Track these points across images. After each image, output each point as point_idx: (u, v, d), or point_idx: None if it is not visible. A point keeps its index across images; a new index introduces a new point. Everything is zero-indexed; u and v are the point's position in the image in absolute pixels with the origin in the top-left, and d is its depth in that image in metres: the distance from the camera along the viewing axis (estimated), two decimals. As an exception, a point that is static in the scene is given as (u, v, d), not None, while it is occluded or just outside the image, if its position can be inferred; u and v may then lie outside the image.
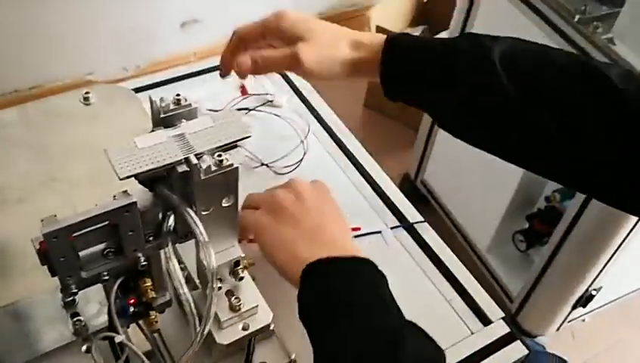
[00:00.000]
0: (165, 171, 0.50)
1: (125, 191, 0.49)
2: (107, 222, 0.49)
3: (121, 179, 0.48)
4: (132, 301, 0.56)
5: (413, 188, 1.79)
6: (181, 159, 0.50)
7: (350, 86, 1.42)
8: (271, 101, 0.96)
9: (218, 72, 0.69)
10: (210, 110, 0.90)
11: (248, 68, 0.64)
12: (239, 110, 0.95)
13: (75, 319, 0.56)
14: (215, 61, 1.01)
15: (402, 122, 1.98)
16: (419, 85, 0.62)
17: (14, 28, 1.67)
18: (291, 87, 1.01)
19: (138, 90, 0.96)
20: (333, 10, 2.23)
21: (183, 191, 0.52)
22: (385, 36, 0.63)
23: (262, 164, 0.85)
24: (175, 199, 0.51)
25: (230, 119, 0.54)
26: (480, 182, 1.51)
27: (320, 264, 0.57)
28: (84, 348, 0.57)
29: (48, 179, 0.81)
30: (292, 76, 1.03)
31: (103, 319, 0.57)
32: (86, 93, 0.89)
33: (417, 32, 2.14)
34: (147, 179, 0.50)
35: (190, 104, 0.53)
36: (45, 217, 0.46)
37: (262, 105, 0.96)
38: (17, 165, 0.75)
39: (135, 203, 0.49)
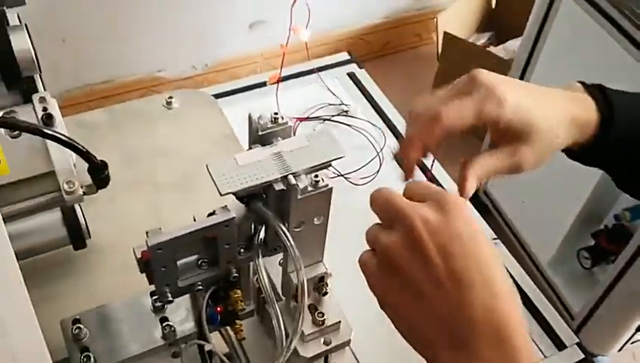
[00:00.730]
0: (262, 188, 0.51)
1: (225, 206, 0.51)
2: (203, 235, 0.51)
3: (222, 195, 0.49)
4: (219, 309, 0.58)
5: (474, 196, 1.77)
6: (278, 178, 0.51)
7: (414, 89, 1.41)
8: (346, 112, 0.97)
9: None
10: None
11: (473, 189, 0.55)
12: (314, 118, 0.96)
13: (164, 324, 0.59)
14: (290, 69, 1.03)
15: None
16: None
17: (91, 26, 1.72)
18: (366, 98, 1.02)
19: (217, 96, 0.98)
20: (400, 14, 2.21)
21: (277, 208, 0.53)
22: (598, 111, 0.55)
23: (340, 175, 0.86)
24: (269, 215, 0.52)
25: (324, 138, 0.55)
26: (546, 196, 1.48)
27: None
28: (171, 352, 0.60)
29: (134, 181, 0.84)
30: (367, 86, 1.04)
31: (190, 325, 0.59)
32: (169, 98, 0.93)
33: (483, 38, 2.12)
34: (245, 195, 0.52)
35: (286, 122, 0.55)
36: (150, 229, 0.48)
37: (337, 115, 0.97)
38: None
39: (234, 218, 0.50)
